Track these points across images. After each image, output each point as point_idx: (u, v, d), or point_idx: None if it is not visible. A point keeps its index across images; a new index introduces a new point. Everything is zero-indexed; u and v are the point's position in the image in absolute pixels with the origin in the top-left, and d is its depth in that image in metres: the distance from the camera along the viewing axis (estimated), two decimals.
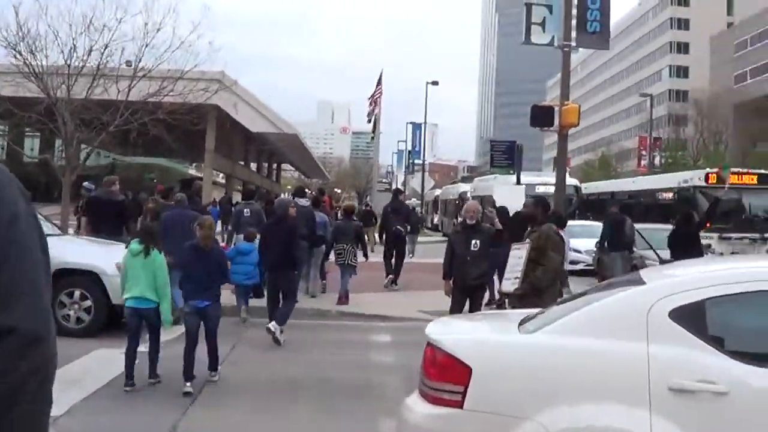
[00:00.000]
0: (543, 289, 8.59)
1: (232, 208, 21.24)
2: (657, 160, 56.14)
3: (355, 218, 17.24)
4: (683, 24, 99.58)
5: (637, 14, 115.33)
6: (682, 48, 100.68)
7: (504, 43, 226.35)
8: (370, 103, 50.78)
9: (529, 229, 9.26)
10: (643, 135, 59.70)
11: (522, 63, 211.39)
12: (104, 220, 13.90)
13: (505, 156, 24.89)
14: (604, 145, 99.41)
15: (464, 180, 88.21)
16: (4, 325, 1.60)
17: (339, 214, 20.78)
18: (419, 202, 54.25)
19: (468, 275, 10.24)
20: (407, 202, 33.74)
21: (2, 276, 1.63)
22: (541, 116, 18.80)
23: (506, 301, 11.53)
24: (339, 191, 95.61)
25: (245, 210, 15.94)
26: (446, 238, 19.51)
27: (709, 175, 23.86)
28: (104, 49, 19.57)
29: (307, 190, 22.29)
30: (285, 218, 11.85)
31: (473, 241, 10.25)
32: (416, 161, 71.34)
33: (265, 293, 12.18)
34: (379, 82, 50.12)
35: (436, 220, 55.90)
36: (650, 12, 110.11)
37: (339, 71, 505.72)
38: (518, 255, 8.80)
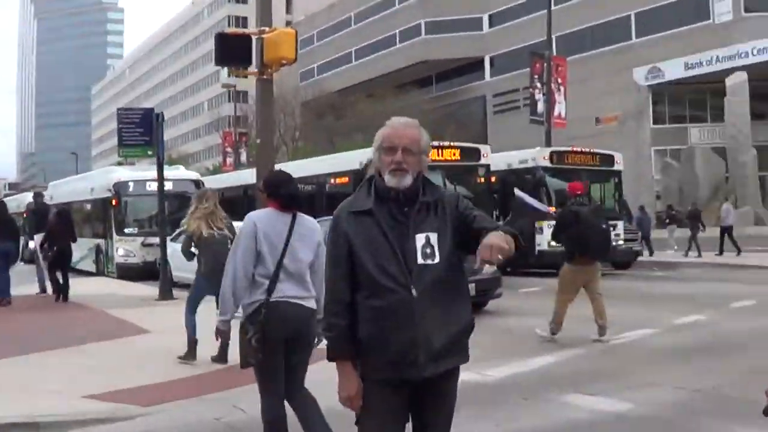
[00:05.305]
0: None
1: None
2: (243, 157, 52.12)
3: None
4: (241, 22, 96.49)
5: (191, 12, 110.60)
6: None
7: (44, 51, 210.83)
8: None
9: None
10: (227, 131, 54.89)
11: (64, 69, 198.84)
12: None
13: (139, 130, 15.95)
14: (170, 147, 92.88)
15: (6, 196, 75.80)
16: None
17: None
18: None
19: (419, 343, 3.06)
20: None
21: None
22: (232, 49, 11.69)
23: None
24: None
25: None
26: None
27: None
28: None
29: None
30: None
31: (420, 238, 3.11)
32: None
33: None
34: None
35: None
36: (206, 10, 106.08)
37: None
38: None
